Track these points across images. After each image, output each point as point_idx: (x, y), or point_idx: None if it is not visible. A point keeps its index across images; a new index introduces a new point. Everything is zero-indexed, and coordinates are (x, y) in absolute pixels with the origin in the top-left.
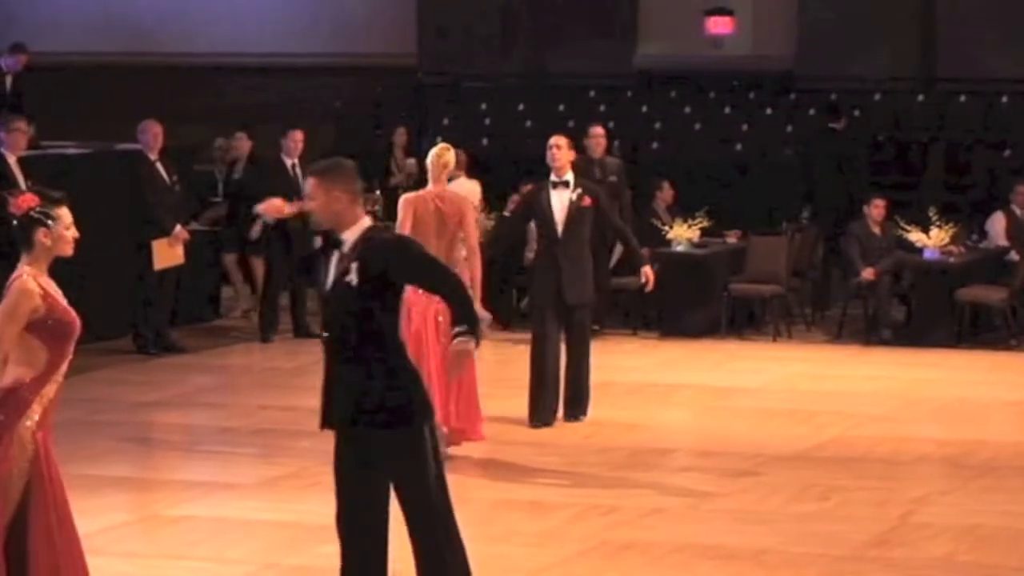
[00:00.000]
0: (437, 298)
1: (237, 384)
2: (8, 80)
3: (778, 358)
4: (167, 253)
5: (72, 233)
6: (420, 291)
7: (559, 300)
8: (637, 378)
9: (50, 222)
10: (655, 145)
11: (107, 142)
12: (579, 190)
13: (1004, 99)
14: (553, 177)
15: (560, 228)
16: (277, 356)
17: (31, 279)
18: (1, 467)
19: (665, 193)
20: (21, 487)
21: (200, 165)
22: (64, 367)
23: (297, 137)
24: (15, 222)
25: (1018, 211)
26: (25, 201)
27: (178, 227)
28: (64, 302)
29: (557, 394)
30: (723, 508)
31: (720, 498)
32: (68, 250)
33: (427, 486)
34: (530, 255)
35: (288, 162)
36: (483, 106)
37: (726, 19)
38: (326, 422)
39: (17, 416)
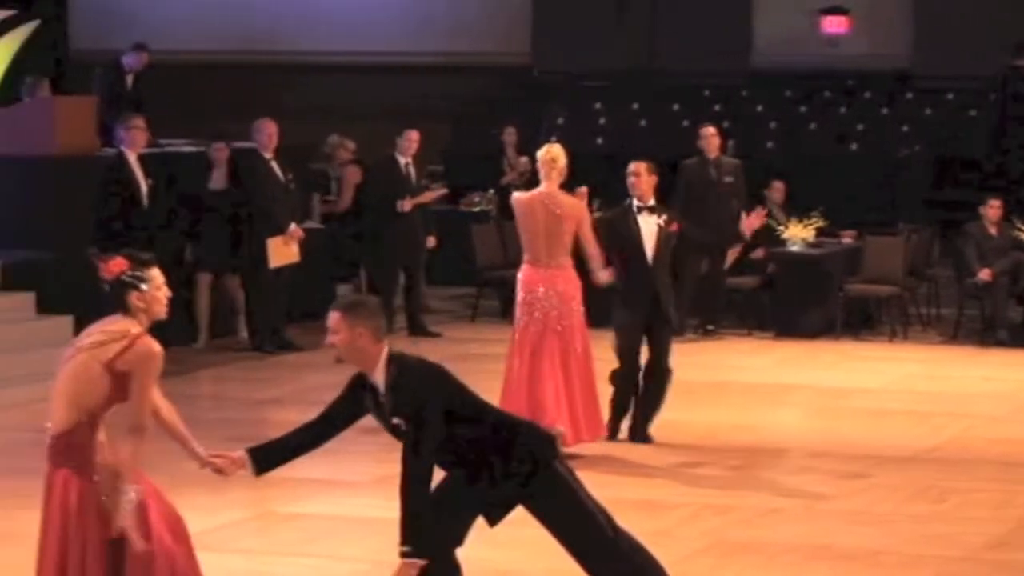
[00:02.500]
0: (556, 302)
1: None
2: (130, 79)
3: (894, 359)
4: (282, 251)
5: (164, 293)
6: (542, 289)
7: (646, 327)
8: (752, 378)
9: (143, 285)
10: (769, 144)
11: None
12: (665, 215)
13: None
14: (637, 202)
15: (650, 254)
16: None
17: (150, 339)
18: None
19: (775, 192)
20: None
21: (315, 163)
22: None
23: (412, 137)
24: (107, 287)
25: None
26: (116, 265)
27: (293, 225)
28: None
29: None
30: (838, 509)
31: (835, 499)
32: (162, 312)
33: (571, 512)
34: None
35: (402, 161)
36: (597, 105)
37: (841, 18)
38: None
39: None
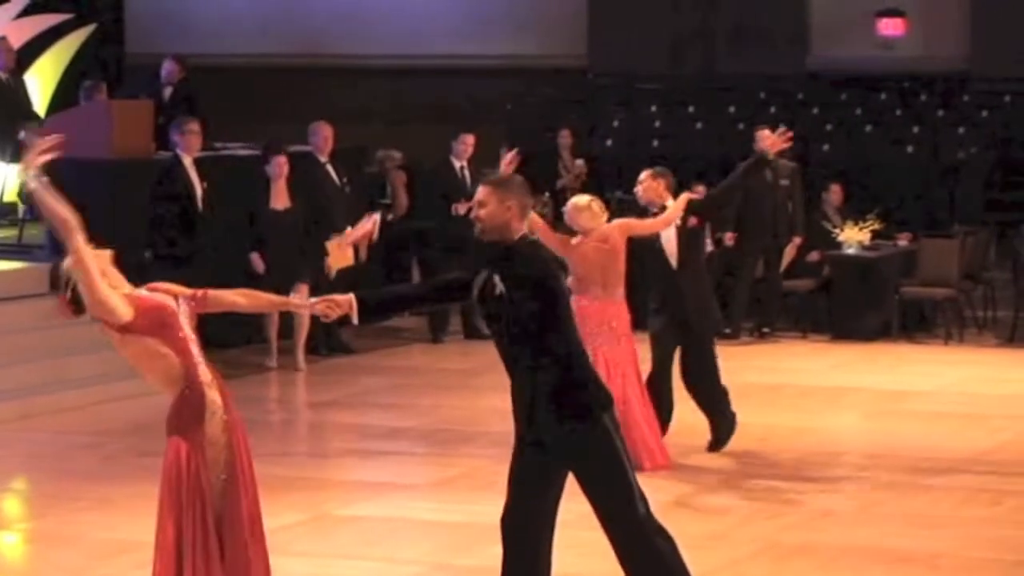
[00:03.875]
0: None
1: (408, 385)
2: (167, 91)
3: (950, 361)
4: (339, 254)
5: None
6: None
7: (681, 333)
8: (807, 381)
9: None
10: (826, 147)
11: (279, 145)
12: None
13: None
14: (651, 208)
15: (674, 259)
16: (448, 357)
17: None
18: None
19: (832, 195)
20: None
21: (369, 167)
22: (190, 345)
23: (468, 140)
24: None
25: None
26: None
27: (349, 229)
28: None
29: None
30: (894, 512)
31: (891, 502)
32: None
33: (614, 479)
34: None
35: (456, 164)
36: (653, 108)
37: (897, 20)
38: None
39: (197, 414)
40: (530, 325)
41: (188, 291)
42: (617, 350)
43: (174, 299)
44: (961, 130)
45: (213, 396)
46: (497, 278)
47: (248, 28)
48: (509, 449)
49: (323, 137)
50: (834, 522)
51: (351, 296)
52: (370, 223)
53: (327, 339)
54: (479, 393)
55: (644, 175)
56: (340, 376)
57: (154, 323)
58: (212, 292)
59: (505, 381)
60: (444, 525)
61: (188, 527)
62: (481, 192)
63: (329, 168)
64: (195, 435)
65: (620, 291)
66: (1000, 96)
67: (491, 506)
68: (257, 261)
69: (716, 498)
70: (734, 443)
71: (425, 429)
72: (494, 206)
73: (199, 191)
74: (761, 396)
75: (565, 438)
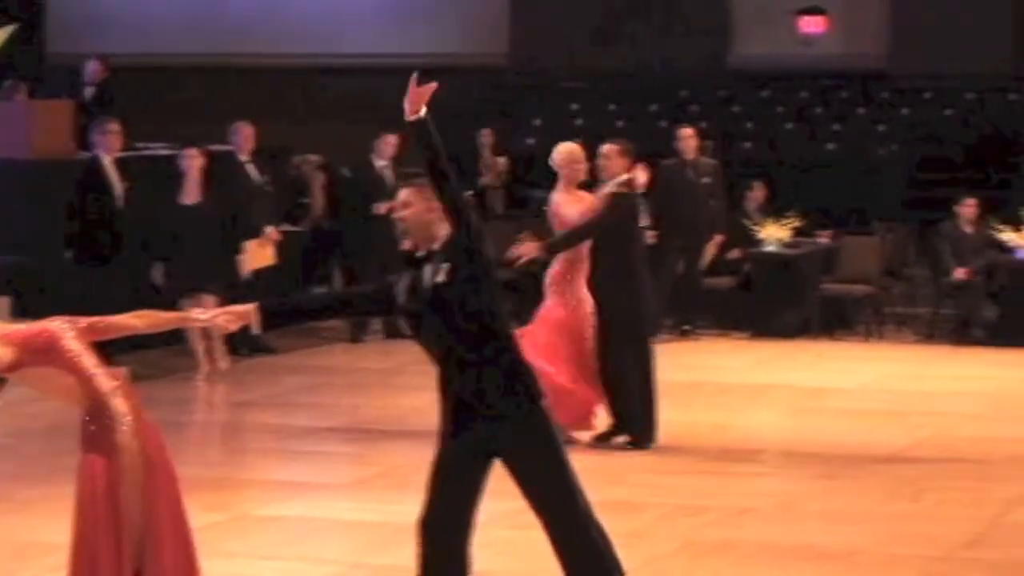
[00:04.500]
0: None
1: (329, 384)
2: (89, 91)
3: (870, 358)
4: (259, 254)
5: None
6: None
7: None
8: (727, 378)
9: None
10: (747, 145)
11: (199, 143)
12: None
13: None
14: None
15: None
16: (369, 356)
17: None
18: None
19: (757, 193)
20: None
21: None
22: (82, 359)
23: (390, 140)
24: None
25: None
26: None
27: (269, 228)
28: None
29: None
30: (814, 509)
31: (811, 498)
32: None
33: (560, 467)
34: None
35: (378, 164)
36: (574, 106)
37: (818, 18)
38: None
39: (103, 426)
40: (479, 310)
41: (79, 320)
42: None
43: (57, 321)
44: (881, 127)
45: (117, 404)
46: (444, 266)
47: (170, 28)
48: (429, 448)
49: (244, 136)
50: (753, 519)
51: (252, 307)
52: None
53: (248, 339)
54: (399, 392)
55: (611, 149)
56: (261, 376)
57: (38, 352)
58: (104, 320)
59: (425, 381)
60: (363, 524)
61: (104, 552)
62: (405, 193)
63: (250, 167)
64: (106, 447)
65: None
66: (920, 93)
67: (410, 505)
68: (157, 274)
69: (636, 495)
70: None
71: (345, 428)
72: (419, 207)
73: (120, 191)
74: (681, 394)
75: (518, 422)
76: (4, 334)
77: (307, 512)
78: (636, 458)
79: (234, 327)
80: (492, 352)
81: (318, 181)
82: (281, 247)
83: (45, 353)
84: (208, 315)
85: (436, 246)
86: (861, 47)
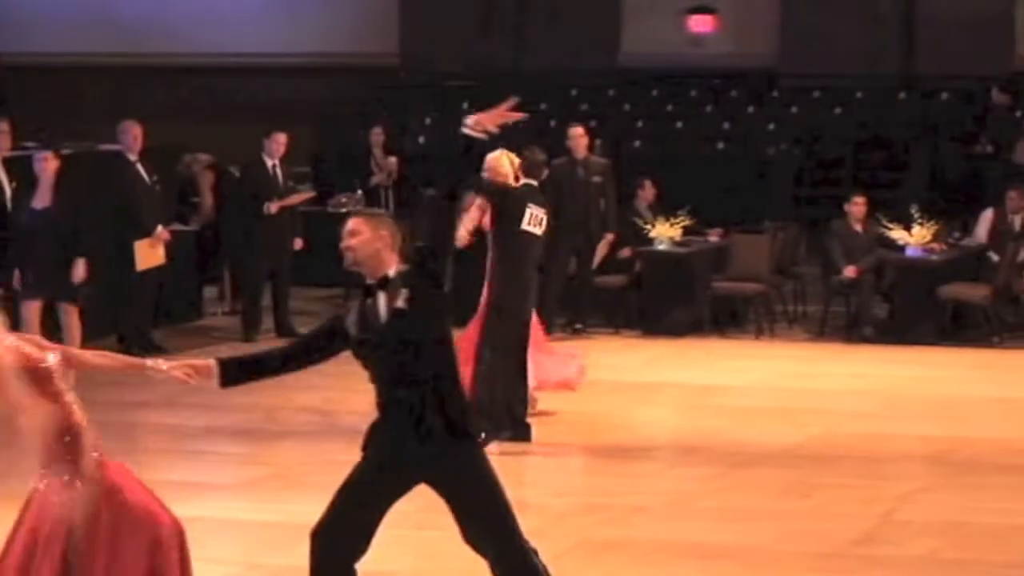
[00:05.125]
0: None
1: None
2: None
3: (761, 356)
4: (149, 254)
5: None
6: None
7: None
8: (619, 376)
9: None
10: (637, 143)
11: (88, 142)
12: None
13: (981, 97)
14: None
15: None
16: None
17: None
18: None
19: (647, 192)
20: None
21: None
22: (67, 395)
23: (280, 139)
24: None
25: (1009, 215)
26: None
27: (159, 228)
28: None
29: None
30: (706, 506)
31: (703, 496)
32: None
33: (493, 491)
34: None
35: (269, 163)
36: (464, 105)
37: (708, 17)
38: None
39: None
40: (433, 337)
41: (57, 349)
42: None
43: (50, 352)
44: (771, 127)
45: (89, 436)
46: (403, 292)
47: (65, 27)
48: (322, 448)
49: (132, 136)
50: (647, 517)
51: (211, 362)
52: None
53: (139, 339)
54: (293, 392)
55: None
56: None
57: (34, 382)
58: (75, 354)
59: (318, 380)
60: (258, 524)
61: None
62: (353, 222)
63: (139, 167)
64: (72, 476)
65: None
66: (809, 93)
67: (305, 505)
68: (16, 279)
69: (530, 494)
70: (546, 438)
71: (238, 428)
72: (368, 235)
73: (7, 191)
74: (573, 392)
75: (456, 454)
76: (16, 347)
77: (202, 512)
78: (528, 456)
79: (194, 381)
80: (437, 379)
81: (207, 180)
82: (170, 246)
83: (38, 384)
84: (167, 367)
85: (391, 273)
86: (751, 47)
